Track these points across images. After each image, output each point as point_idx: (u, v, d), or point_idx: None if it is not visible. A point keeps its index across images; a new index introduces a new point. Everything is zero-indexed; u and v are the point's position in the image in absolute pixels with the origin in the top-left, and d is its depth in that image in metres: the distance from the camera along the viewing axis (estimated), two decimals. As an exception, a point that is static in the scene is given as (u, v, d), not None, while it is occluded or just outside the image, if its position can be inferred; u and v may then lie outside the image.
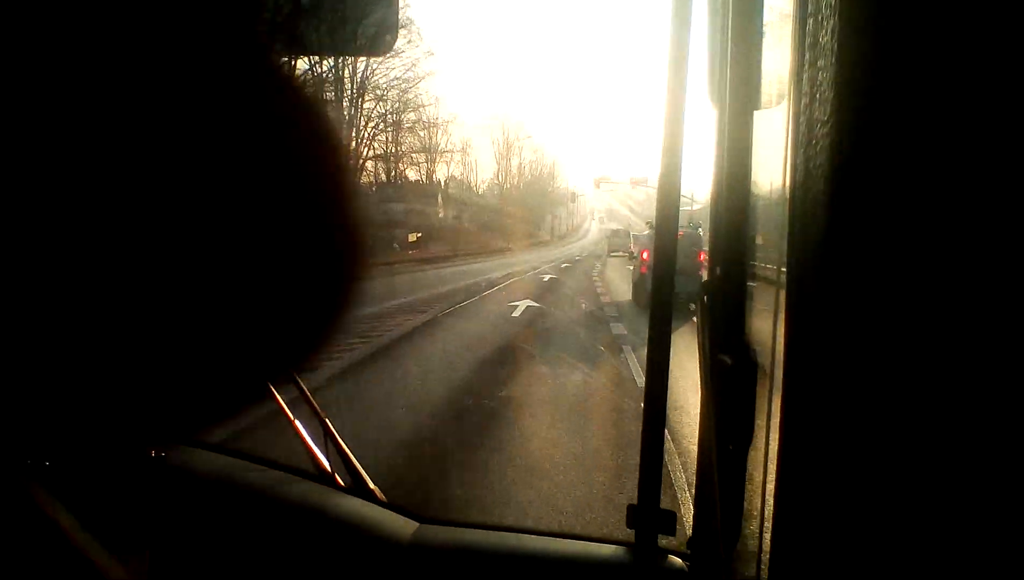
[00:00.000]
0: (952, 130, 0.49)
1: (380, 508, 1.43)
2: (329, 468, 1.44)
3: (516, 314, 12.62)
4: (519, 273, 23.66)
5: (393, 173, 43.51)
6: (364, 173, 40.10)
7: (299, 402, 1.44)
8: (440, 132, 49.92)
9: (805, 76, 0.57)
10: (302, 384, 1.42)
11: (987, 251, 0.49)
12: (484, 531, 1.42)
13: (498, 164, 65.78)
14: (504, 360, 8.42)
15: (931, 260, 0.50)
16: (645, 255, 13.88)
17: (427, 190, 48.53)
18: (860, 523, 0.55)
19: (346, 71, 34.76)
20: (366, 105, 38.10)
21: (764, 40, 0.97)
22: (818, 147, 0.54)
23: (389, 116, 40.26)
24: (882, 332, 0.52)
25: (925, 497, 0.52)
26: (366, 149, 38.62)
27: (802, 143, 0.57)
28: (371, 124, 38.55)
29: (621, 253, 36.64)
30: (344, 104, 35.52)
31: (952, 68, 0.49)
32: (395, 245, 37.40)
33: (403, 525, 1.38)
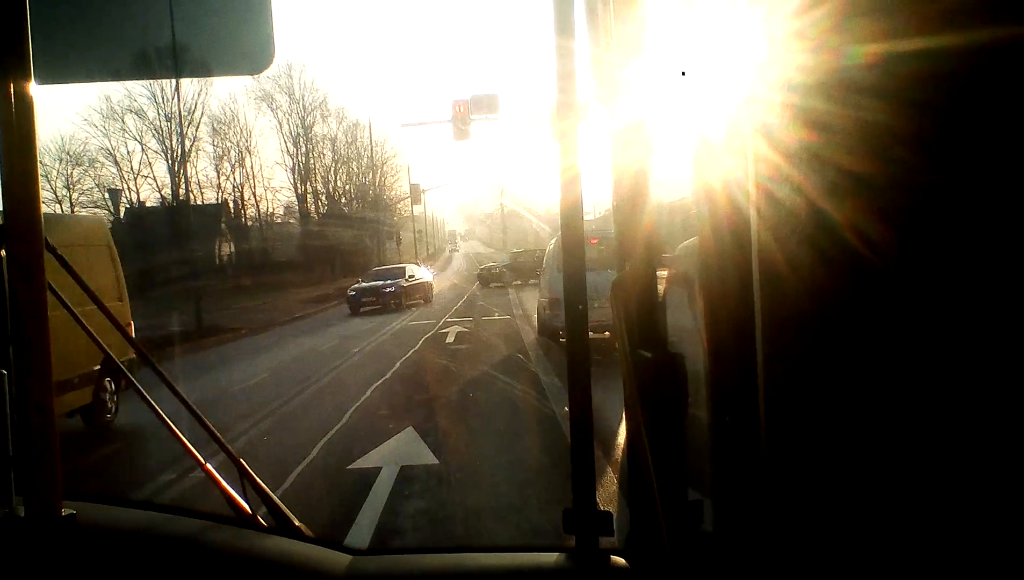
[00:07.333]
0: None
1: (309, 545, 1.37)
2: (249, 510, 1.37)
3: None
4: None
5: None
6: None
7: (208, 444, 1.36)
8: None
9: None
10: (210, 425, 1.35)
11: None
12: (419, 555, 1.37)
13: (295, 161, 42.64)
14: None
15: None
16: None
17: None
18: (799, 502, 0.54)
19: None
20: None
21: (648, 35, 0.96)
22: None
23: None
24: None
25: (856, 470, 0.51)
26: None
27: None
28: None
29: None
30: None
31: None
32: None
33: (336, 560, 1.32)
